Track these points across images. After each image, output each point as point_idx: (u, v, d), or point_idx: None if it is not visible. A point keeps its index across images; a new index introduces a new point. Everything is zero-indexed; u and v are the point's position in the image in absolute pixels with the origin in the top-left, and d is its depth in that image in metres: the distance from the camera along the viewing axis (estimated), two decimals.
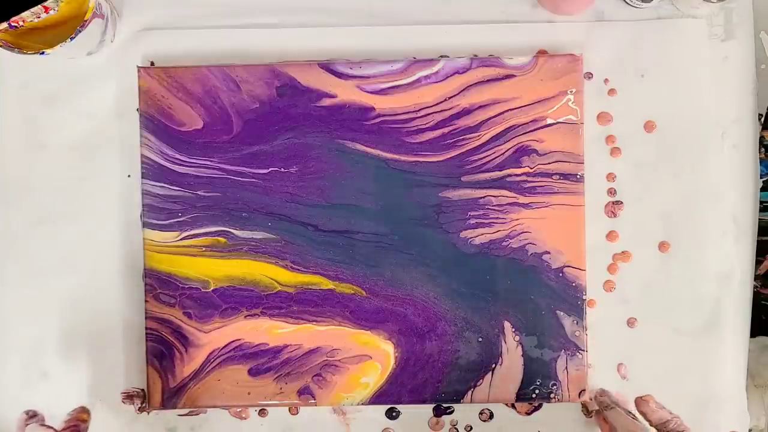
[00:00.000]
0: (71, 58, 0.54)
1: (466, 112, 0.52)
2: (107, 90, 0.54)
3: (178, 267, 0.52)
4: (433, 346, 0.52)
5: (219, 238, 0.52)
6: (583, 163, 0.52)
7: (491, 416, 0.54)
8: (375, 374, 0.52)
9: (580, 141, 0.52)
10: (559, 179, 0.52)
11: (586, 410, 0.54)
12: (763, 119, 0.56)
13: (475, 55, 0.54)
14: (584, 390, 0.52)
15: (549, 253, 0.52)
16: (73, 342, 0.54)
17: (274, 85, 0.52)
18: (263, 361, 0.52)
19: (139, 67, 0.53)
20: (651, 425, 0.47)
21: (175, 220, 0.52)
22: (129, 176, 0.54)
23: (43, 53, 0.47)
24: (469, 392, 0.52)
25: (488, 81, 0.52)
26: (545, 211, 0.52)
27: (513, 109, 0.52)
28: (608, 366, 0.54)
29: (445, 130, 0.52)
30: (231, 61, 0.54)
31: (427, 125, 0.52)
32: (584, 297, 0.52)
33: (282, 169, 0.52)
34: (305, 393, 0.52)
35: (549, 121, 0.52)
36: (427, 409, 0.54)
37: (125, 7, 0.54)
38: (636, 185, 0.54)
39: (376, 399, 0.52)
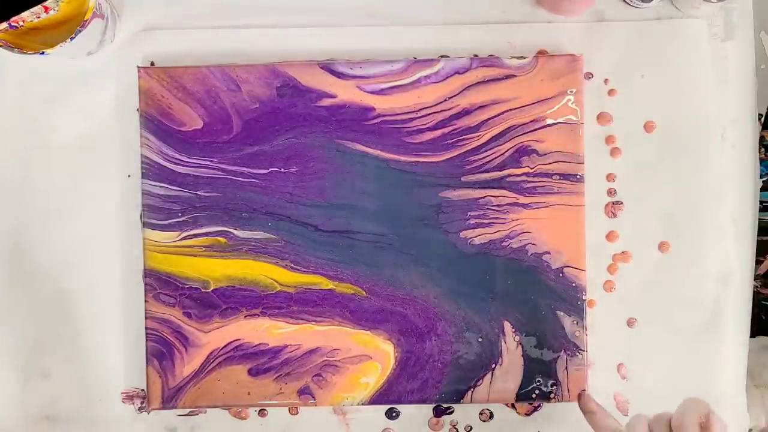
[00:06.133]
0: (71, 58, 0.54)
1: (466, 112, 0.52)
2: (107, 90, 0.54)
3: (178, 267, 0.52)
4: (433, 346, 0.52)
5: (219, 238, 0.52)
6: (583, 163, 0.52)
7: (491, 416, 0.54)
8: (375, 374, 0.52)
9: (580, 141, 0.52)
10: (559, 179, 0.52)
11: None
12: (763, 119, 0.56)
13: (475, 55, 0.54)
14: (584, 390, 0.52)
15: (549, 253, 0.52)
16: (73, 342, 0.54)
17: (274, 85, 0.52)
18: (263, 361, 0.52)
19: (139, 67, 0.53)
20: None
21: (175, 220, 0.52)
22: (129, 176, 0.54)
23: (43, 53, 0.47)
24: (469, 392, 0.52)
25: (488, 81, 0.52)
26: (545, 211, 0.52)
27: (513, 109, 0.52)
28: (608, 366, 0.54)
29: (445, 130, 0.52)
30: (231, 61, 0.54)
31: (427, 125, 0.52)
32: (584, 297, 0.52)
33: (282, 169, 0.52)
34: (305, 393, 0.52)
35: (549, 121, 0.52)
36: (427, 409, 0.54)
37: (125, 7, 0.54)
38: (636, 185, 0.54)
39: (376, 399, 0.52)
